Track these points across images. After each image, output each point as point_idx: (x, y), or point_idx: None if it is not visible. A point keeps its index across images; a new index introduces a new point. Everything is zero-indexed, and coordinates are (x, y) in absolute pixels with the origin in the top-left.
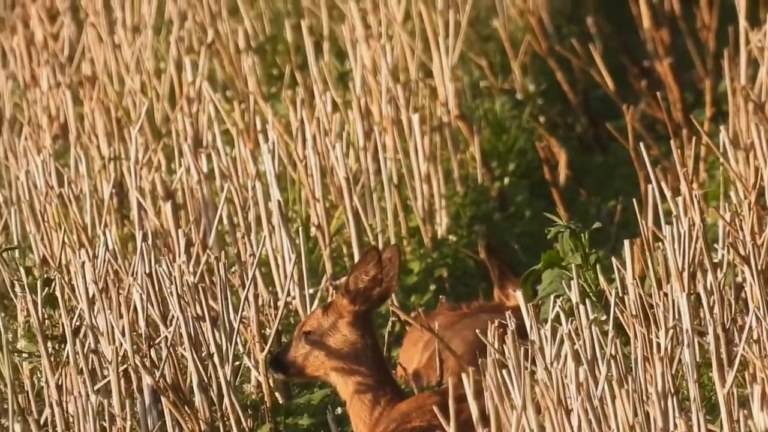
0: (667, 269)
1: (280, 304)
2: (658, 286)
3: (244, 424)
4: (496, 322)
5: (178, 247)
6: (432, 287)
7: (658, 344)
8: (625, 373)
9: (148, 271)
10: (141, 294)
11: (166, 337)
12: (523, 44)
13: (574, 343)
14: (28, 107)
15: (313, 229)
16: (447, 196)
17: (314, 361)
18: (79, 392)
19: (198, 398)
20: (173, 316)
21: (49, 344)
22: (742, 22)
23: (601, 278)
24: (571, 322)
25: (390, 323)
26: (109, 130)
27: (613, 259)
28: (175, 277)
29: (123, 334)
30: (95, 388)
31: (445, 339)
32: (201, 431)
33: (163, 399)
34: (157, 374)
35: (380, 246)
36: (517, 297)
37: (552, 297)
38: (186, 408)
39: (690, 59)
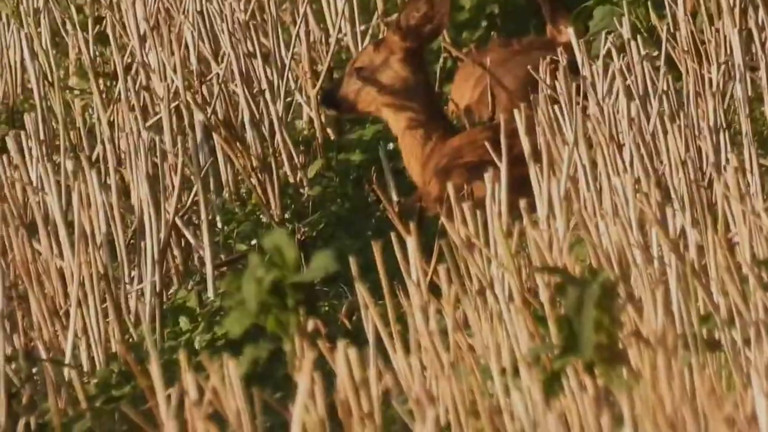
0: (718, 5)
1: (332, 40)
2: (709, 21)
3: (296, 159)
4: (548, 58)
5: None
6: (483, 23)
7: (710, 79)
8: (677, 109)
9: (199, 9)
10: (192, 31)
11: (218, 73)
12: None
13: (626, 79)
14: None
15: None
16: None
17: (366, 97)
18: (131, 129)
19: (250, 134)
20: (224, 53)
21: (101, 81)
22: None
23: (652, 14)
24: (623, 58)
25: (441, 59)
26: None
27: None
28: (225, 15)
29: (174, 70)
30: (147, 124)
31: (497, 75)
32: (253, 167)
33: (214, 135)
34: (209, 111)
35: None
36: (569, 33)
37: (603, 33)
38: (237, 144)
39: None
